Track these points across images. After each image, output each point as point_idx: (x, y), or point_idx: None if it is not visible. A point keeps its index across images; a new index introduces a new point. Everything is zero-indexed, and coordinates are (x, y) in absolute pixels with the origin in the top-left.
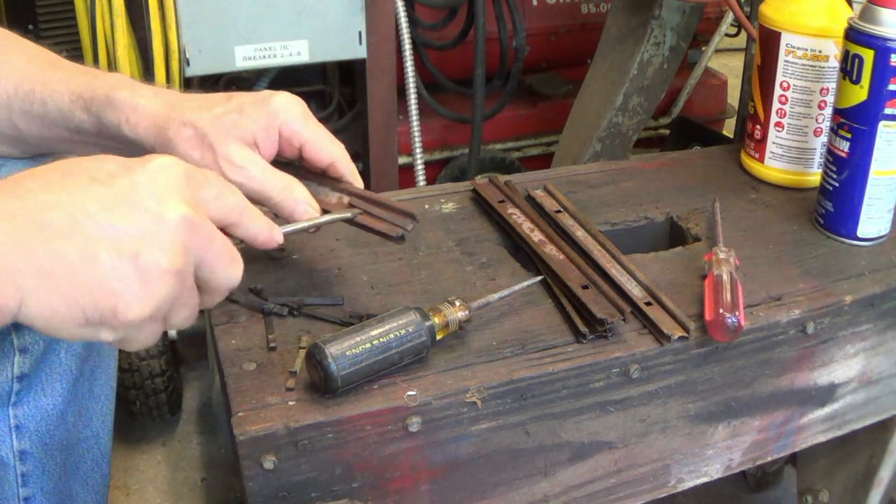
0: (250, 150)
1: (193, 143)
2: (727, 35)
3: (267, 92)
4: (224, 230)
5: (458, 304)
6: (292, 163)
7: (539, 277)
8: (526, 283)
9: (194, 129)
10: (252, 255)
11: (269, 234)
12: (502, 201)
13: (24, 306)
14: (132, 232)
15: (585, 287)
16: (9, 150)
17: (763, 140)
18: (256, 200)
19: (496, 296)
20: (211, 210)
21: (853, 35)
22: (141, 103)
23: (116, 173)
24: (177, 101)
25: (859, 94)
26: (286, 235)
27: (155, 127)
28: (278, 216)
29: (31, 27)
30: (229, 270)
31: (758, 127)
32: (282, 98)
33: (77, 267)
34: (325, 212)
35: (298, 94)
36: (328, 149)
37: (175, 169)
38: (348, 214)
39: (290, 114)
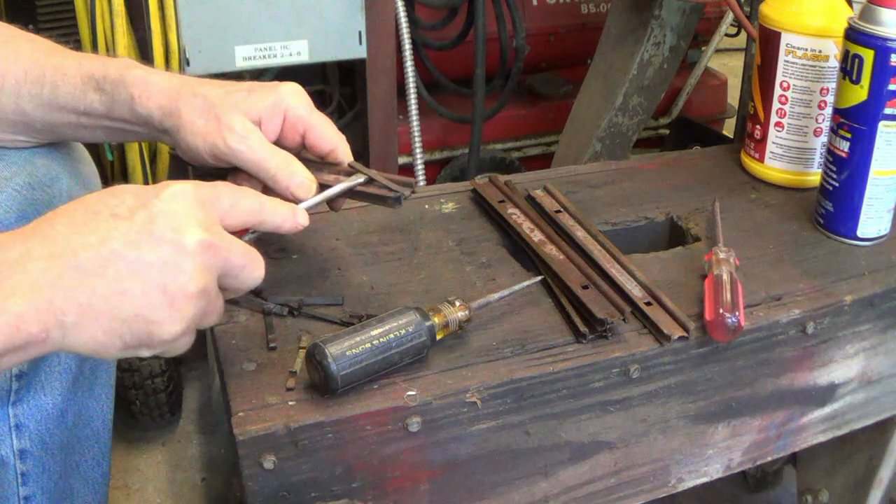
0: (252, 124)
1: (201, 111)
2: (727, 35)
3: (275, 81)
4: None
5: (458, 304)
6: (295, 153)
7: (539, 277)
8: (526, 284)
9: (204, 99)
10: None
11: (293, 220)
12: (502, 201)
13: (67, 338)
14: (157, 263)
15: (585, 287)
16: (12, 136)
17: (763, 140)
18: (253, 172)
19: (496, 296)
20: (230, 220)
21: (853, 35)
22: (154, 79)
23: (134, 207)
24: (188, 79)
25: (859, 94)
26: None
27: (167, 99)
28: (275, 191)
29: (30, 27)
30: (252, 273)
31: (758, 127)
32: (289, 86)
33: (111, 302)
34: (328, 187)
35: None
36: (330, 135)
37: (186, 194)
38: (361, 180)
39: (295, 100)
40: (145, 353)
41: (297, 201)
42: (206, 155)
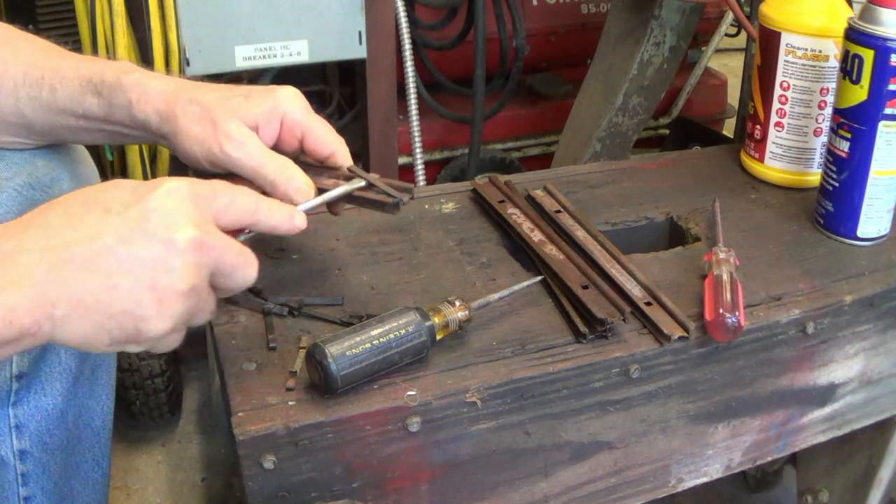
0: (249, 129)
1: (197, 118)
2: (727, 35)
3: (272, 86)
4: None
5: (458, 304)
6: (293, 157)
7: (539, 277)
8: (526, 284)
9: (200, 106)
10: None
11: (290, 222)
12: (502, 201)
13: (56, 331)
14: (147, 260)
15: (585, 287)
16: (11, 138)
17: (763, 140)
18: (251, 178)
19: (496, 296)
20: (226, 219)
21: (853, 35)
22: (152, 84)
23: (129, 202)
24: (185, 83)
25: (859, 94)
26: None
27: (164, 104)
28: (273, 196)
29: (30, 27)
30: (244, 273)
31: (758, 127)
32: (286, 91)
33: (101, 297)
34: (327, 191)
35: None
36: (328, 139)
37: (181, 191)
38: (360, 184)
39: (292, 105)
40: (133, 349)
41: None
42: (204, 161)
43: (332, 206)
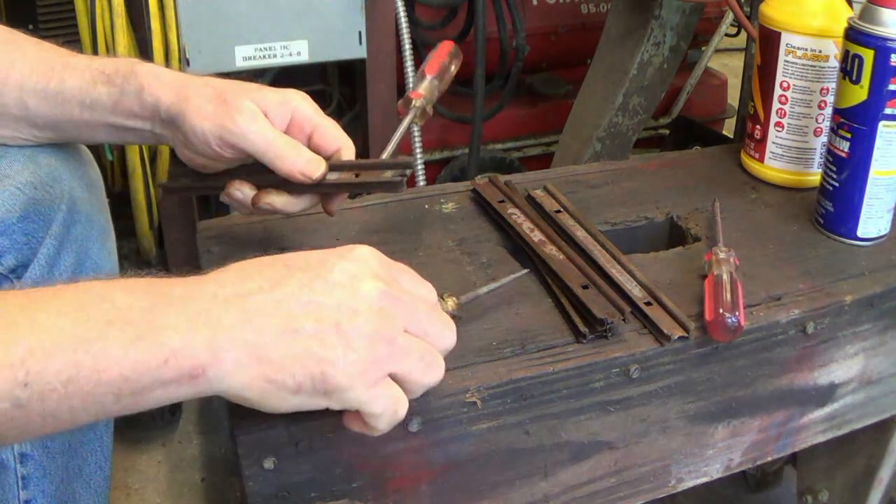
0: (261, 111)
1: (210, 97)
2: (727, 35)
3: (281, 89)
4: None
5: (446, 297)
6: None
7: (525, 270)
8: (514, 276)
9: (213, 88)
10: (251, 254)
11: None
12: (502, 201)
13: (228, 379)
14: (331, 304)
15: (585, 287)
16: (12, 132)
17: (763, 140)
18: (262, 153)
19: (485, 289)
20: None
21: (853, 35)
22: (164, 72)
23: (312, 262)
24: (197, 76)
25: (859, 94)
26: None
27: (177, 86)
28: (281, 172)
29: (31, 27)
30: (442, 336)
31: (758, 127)
32: (295, 92)
33: (282, 340)
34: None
35: None
36: (336, 136)
37: (372, 259)
38: (390, 176)
39: (303, 102)
40: (324, 403)
41: (305, 180)
42: (213, 139)
43: (326, 203)
